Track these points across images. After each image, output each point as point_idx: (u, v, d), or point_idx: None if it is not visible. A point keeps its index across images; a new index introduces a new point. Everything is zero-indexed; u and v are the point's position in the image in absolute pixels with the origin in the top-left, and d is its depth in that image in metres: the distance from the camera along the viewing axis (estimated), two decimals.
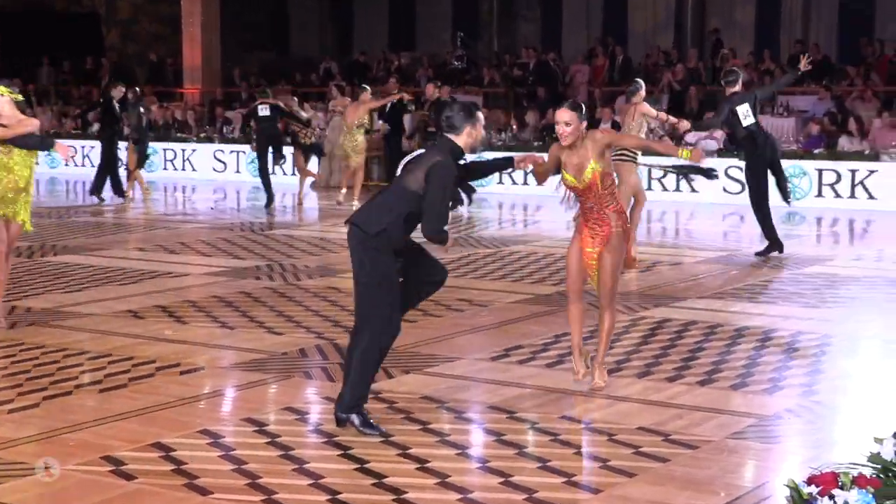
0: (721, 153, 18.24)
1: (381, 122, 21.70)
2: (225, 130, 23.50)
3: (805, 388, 7.22)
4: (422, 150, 6.56)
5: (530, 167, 7.05)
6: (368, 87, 18.19)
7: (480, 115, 6.41)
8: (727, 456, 5.89)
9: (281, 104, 17.97)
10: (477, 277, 11.33)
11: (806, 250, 13.24)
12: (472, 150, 6.42)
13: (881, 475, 4.25)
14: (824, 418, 6.59)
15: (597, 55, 26.00)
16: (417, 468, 5.70)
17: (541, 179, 7.19)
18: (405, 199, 6.21)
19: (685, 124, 12.50)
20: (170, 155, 23.55)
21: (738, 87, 12.39)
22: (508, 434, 6.25)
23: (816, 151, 17.84)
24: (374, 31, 31.35)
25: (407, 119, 22.31)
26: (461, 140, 6.32)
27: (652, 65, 25.33)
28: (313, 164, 19.80)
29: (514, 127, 21.76)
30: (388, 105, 21.39)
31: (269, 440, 6.14)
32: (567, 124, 6.87)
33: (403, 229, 6.27)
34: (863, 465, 4.30)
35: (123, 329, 8.96)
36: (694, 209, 17.63)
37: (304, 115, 18.56)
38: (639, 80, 12.47)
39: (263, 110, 17.86)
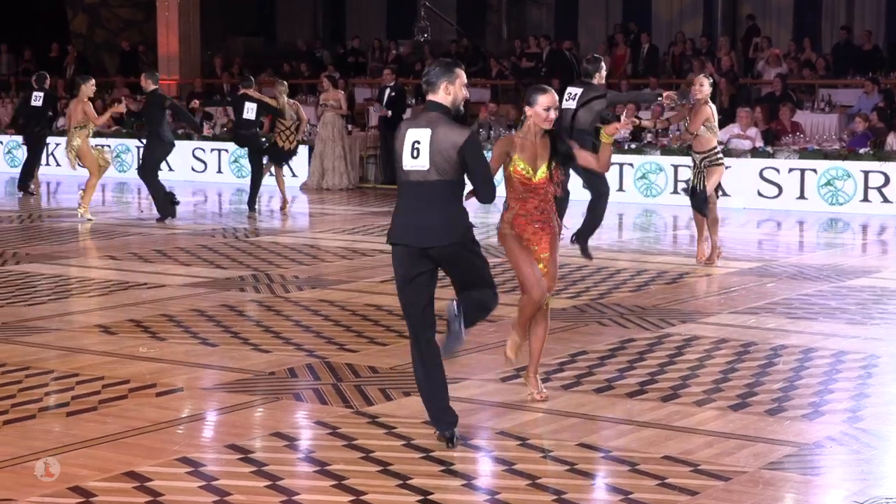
0: (754, 153, 18.27)
1: (379, 106, 21.62)
2: (205, 126, 23.54)
3: (849, 414, 7.24)
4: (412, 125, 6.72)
5: None
6: (92, 79, 17.01)
7: (459, 71, 6.72)
8: (763, 489, 5.90)
9: (260, 96, 17.76)
10: None
11: (850, 261, 13.26)
12: (454, 107, 6.71)
13: None
14: (871, 447, 6.61)
15: (617, 43, 26.04)
16: (419, 501, 5.72)
17: None
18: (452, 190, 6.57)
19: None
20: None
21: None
22: (520, 463, 6.27)
23: (862, 151, 17.85)
24: (371, 16, 31.41)
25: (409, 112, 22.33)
26: (439, 97, 6.67)
27: (679, 54, 25.36)
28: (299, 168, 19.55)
29: None
30: (388, 93, 21.39)
31: (255, 469, 6.16)
32: (557, 109, 7.24)
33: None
34: None
35: (93, 346, 8.98)
36: (725, 215, 17.62)
37: (272, 102, 17.81)
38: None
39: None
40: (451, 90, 6.65)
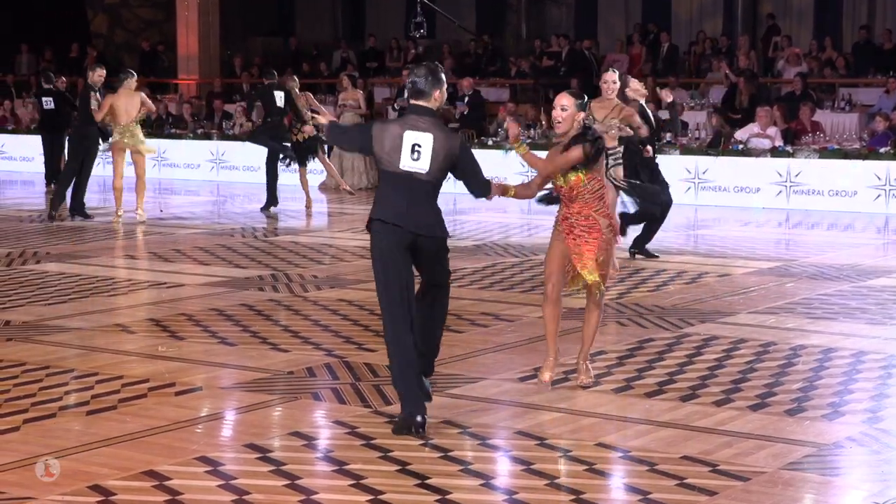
0: (774, 152, 18.21)
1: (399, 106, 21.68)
2: (224, 126, 23.60)
3: (869, 415, 7.22)
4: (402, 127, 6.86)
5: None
6: (134, 74, 16.76)
7: (443, 76, 6.98)
8: (782, 489, 5.89)
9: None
10: (503, 289, 11.35)
11: (871, 260, 13.21)
12: (439, 111, 6.99)
13: None
14: (891, 448, 6.58)
15: (633, 42, 26.02)
16: (437, 500, 5.72)
17: (527, 194, 7.54)
18: (437, 189, 6.85)
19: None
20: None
21: None
22: (538, 463, 6.27)
23: (882, 150, 17.78)
24: (391, 11, 31.43)
25: None
26: (429, 104, 6.87)
27: (699, 54, 25.32)
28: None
29: (544, 123, 21.74)
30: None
31: (274, 468, 6.18)
32: (563, 109, 7.19)
33: None
34: None
35: (112, 345, 9.01)
36: (745, 214, 17.60)
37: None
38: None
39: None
40: (439, 97, 6.91)
